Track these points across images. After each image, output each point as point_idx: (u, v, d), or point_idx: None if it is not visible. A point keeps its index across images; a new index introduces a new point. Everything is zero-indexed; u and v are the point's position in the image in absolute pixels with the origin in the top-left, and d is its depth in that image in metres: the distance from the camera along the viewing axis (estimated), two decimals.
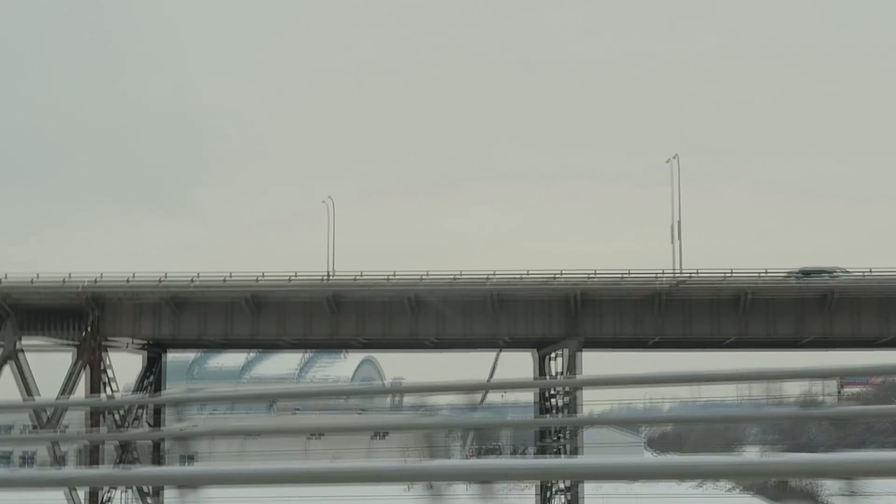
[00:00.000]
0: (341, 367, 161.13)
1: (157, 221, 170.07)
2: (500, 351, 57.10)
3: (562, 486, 51.69)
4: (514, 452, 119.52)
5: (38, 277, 51.88)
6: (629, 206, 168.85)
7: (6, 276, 51.98)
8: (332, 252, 56.55)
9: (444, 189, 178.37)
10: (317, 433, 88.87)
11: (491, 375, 53.89)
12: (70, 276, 51.62)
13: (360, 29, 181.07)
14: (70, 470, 42.99)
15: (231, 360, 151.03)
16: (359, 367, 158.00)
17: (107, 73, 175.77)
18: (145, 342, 55.65)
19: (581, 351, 49.26)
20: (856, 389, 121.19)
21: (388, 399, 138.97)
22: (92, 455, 51.47)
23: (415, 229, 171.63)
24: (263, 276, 51.22)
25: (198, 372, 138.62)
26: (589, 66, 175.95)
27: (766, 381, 10.69)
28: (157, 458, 55.62)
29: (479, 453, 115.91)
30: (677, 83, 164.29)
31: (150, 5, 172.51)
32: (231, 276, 51.33)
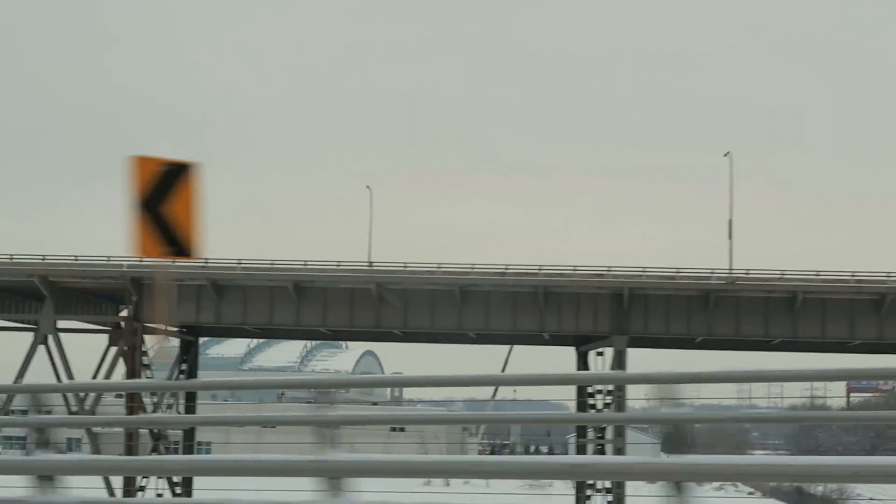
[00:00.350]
0: (342, 360, 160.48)
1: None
2: (513, 347, 56.66)
3: (601, 485, 51.19)
4: (526, 450, 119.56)
5: (77, 259, 51.16)
6: (637, 201, 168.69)
7: (44, 257, 51.22)
8: (371, 240, 55.99)
9: (448, 180, 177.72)
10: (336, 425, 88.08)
11: (503, 370, 53.46)
12: (109, 259, 50.89)
13: (367, 17, 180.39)
14: (99, 457, 42.40)
15: (232, 348, 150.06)
16: (359, 359, 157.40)
17: (104, 57, 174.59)
18: (180, 328, 55.02)
19: (629, 348, 48.72)
20: (865, 395, 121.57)
21: (388, 392, 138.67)
22: (129, 441, 50.95)
23: (418, 219, 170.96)
24: (307, 263, 50.57)
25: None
26: (598, 60, 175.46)
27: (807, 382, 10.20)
28: (190, 444, 54.84)
29: (493, 450, 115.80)
30: (693, 80, 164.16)
31: None
32: (274, 263, 50.67)
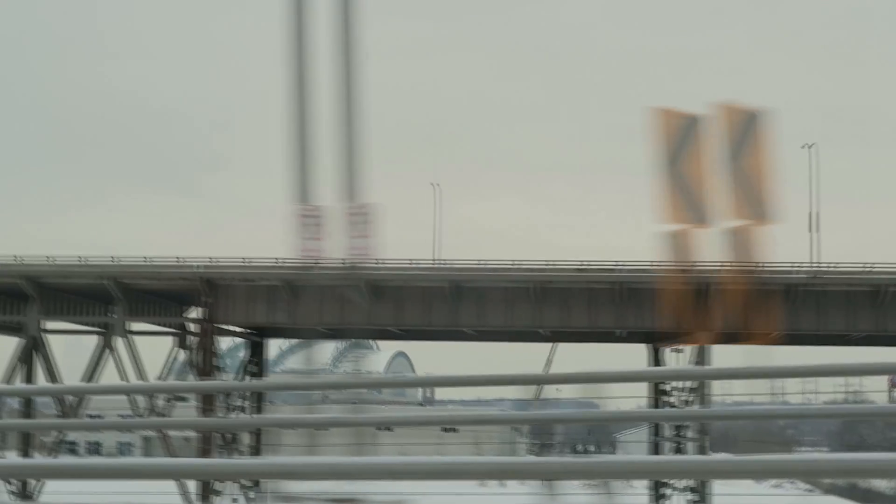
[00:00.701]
0: (374, 360, 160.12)
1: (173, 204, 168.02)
2: (556, 345, 56.11)
3: (682, 484, 50.49)
4: (574, 450, 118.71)
5: (147, 260, 50.73)
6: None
7: (114, 258, 50.80)
8: (438, 237, 55.38)
9: (465, 176, 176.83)
10: (386, 426, 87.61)
11: (547, 369, 52.82)
12: (179, 260, 50.44)
13: (384, 13, 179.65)
14: (175, 460, 41.91)
15: (272, 352, 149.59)
16: (391, 360, 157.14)
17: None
18: (247, 329, 54.61)
19: (712, 344, 47.95)
20: None
21: (419, 392, 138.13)
22: (203, 442, 50.50)
23: (446, 217, 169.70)
24: (380, 261, 49.98)
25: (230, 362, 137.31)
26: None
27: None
28: (258, 445, 54.20)
29: (540, 450, 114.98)
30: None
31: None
32: (346, 262, 50.01)
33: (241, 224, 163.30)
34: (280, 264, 49.80)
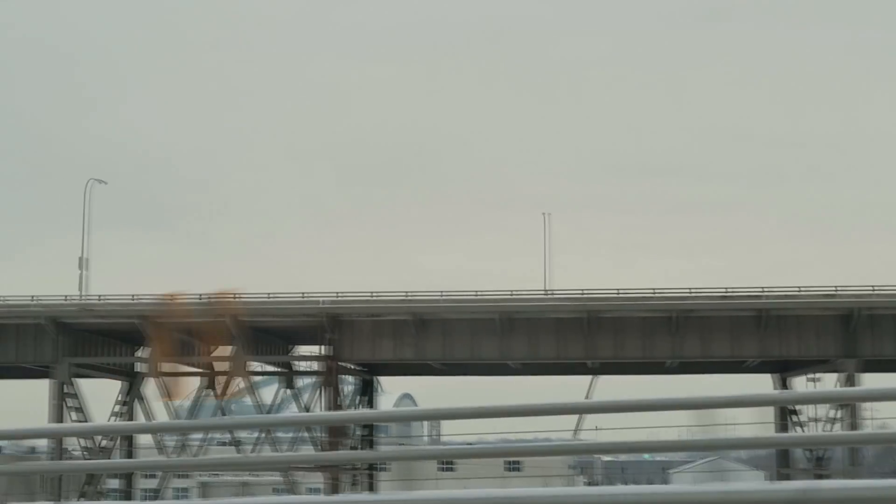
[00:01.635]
0: (381, 403, 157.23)
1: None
2: (596, 378, 54.79)
3: None
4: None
5: (270, 296, 48.92)
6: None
7: (237, 296, 48.92)
8: (547, 268, 53.85)
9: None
10: (449, 460, 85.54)
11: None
12: (304, 295, 48.69)
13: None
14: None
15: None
16: (398, 402, 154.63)
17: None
18: (359, 366, 52.88)
19: (860, 372, 46.51)
20: None
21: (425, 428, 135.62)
22: (332, 476, 48.61)
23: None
24: (513, 293, 48.43)
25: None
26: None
27: None
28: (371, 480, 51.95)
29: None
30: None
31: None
32: (478, 294, 48.48)
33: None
34: (410, 297, 48.22)
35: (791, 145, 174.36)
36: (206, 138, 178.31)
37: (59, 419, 49.05)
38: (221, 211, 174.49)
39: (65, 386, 49.64)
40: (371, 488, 52.61)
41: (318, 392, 49.76)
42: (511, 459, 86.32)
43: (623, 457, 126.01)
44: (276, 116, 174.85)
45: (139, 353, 54.57)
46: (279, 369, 54.84)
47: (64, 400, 49.71)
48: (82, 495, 52.10)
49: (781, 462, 54.78)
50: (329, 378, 48.83)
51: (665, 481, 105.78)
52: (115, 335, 52.02)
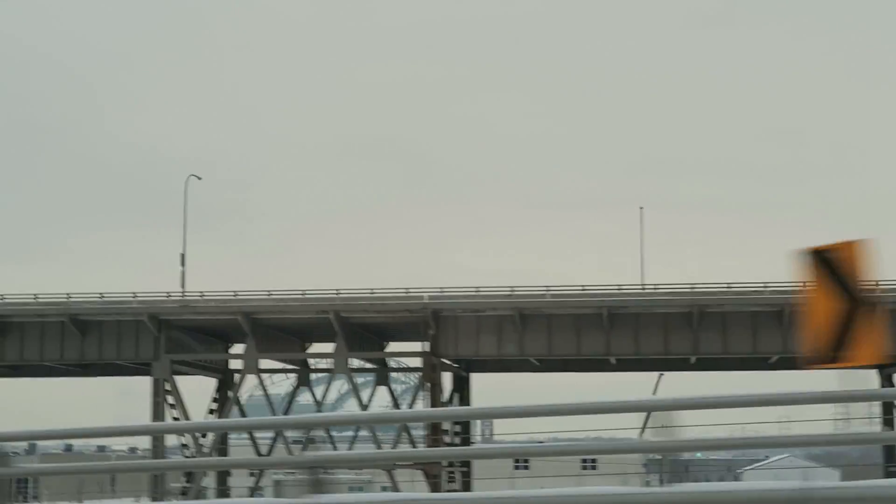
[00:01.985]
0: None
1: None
2: (662, 375, 53.90)
3: None
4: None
5: (373, 291, 48.47)
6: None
7: (338, 291, 48.55)
8: (642, 264, 53.12)
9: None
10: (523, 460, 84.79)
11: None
12: (408, 291, 48.22)
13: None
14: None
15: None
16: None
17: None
18: (455, 363, 52.34)
19: None
20: None
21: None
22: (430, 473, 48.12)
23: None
24: (620, 287, 47.74)
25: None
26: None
27: None
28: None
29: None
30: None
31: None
32: (584, 288, 47.84)
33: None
34: (514, 292, 47.68)
35: None
36: (241, 140, 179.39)
37: (160, 417, 48.92)
38: (263, 211, 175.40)
39: (165, 383, 49.55)
40: (466, 486, 52.12)
41: (417, 389, 49.30)
42: (587, 458, 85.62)
43: (686, 455, 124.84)
44: (313, 117, 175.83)
45: (232, 350, 54.49)
46: (374, 366, 54.54)
47: (164, 397, 49.62)
48: (183, 493, 51.99)
49: (888, 458, 53.61)
50: (431, 375, 48.35)
51: (735, 479, 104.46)
52: (209, 332, 51.85)
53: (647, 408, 10.52)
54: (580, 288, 47.65)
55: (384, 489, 58.86)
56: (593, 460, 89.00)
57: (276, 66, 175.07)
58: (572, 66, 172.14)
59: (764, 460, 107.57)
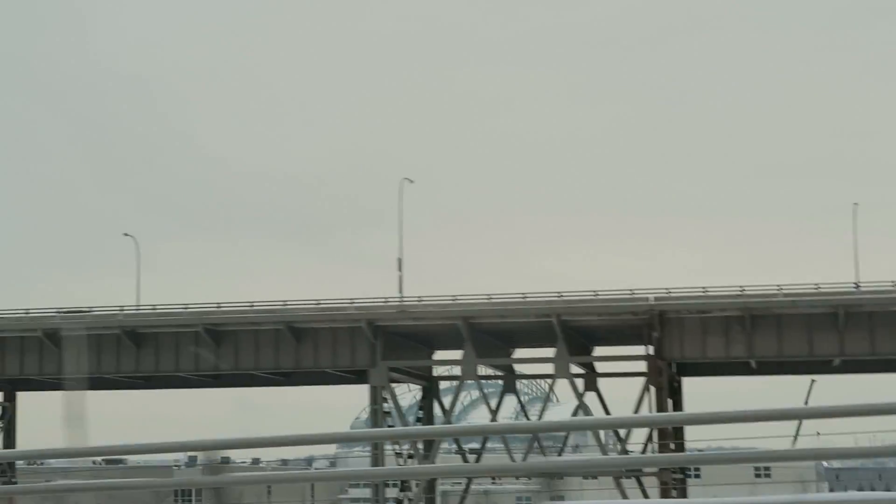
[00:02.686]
0: (556, 412, 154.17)
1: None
2: (814, 380, 51.74)
3: None
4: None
5: (597, 294, 47.46)
6: None
7: (561, 294, 47.61)
8: (856, 262, 51.25)
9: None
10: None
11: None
12: (633, 293, 47.11)
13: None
14: None
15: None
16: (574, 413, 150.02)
17: None
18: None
19: None
20: None
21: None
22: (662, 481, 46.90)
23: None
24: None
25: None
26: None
27: None
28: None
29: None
30: None
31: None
32: (818, 287, 46.33)
33: None
34: (745, 293, 46.30)
35: None
36: (353, 156, 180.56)
37: (378, 424, 48.42)
38: (372, 222, 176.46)
39: (382, 391, 49.10)
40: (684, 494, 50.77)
41: (642, 393, 48.11)
42: (760, 466, 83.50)
43: (836, 463, 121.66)
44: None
45: (435, 356, 53.95)
46: (584, 371, 53.47)
47: (380, 404, 49.16)
48: (398, 502, 51.53)
49: None
50: (656, 379, 47.12)
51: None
52: (419, 338, 51.31)
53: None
54: (814, 287, 46.10)
55: (552, 499, 57.78)
56: (766, 468, 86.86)
57: None
58: None
59: None
